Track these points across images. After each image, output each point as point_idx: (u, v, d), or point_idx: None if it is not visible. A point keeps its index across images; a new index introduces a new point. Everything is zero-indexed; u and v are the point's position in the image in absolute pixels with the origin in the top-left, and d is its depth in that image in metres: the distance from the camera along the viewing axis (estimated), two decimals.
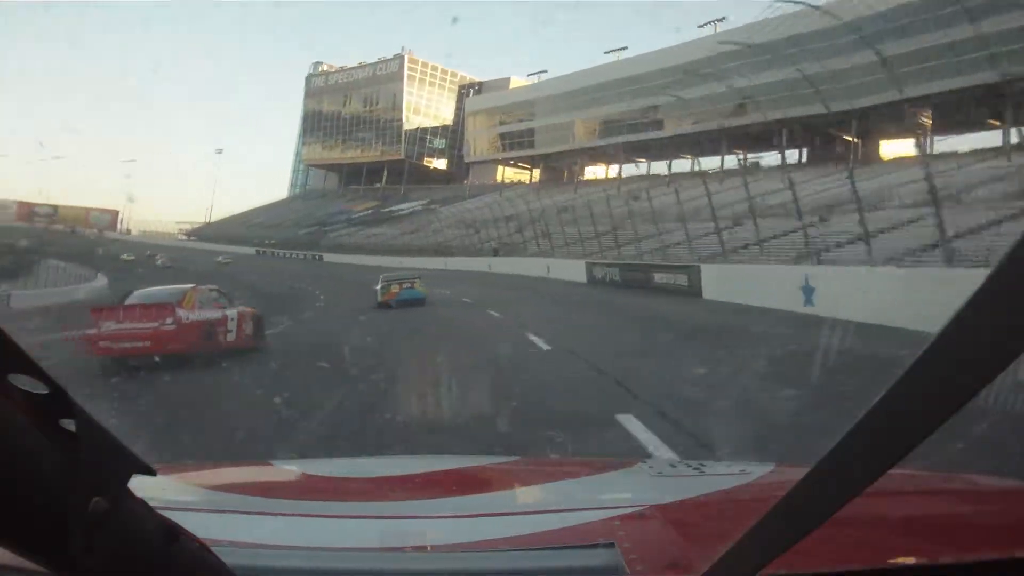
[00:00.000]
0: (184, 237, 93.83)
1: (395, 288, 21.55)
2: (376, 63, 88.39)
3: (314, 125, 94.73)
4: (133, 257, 54.07)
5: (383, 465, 2.33)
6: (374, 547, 1.05)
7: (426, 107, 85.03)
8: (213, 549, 0.69)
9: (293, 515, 1.27)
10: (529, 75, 71.25)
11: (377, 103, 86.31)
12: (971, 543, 0.99)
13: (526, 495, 1.56)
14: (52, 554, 0.53)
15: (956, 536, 1.05)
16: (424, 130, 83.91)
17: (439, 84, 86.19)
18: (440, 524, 1.22)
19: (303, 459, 3.60)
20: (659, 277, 23.01)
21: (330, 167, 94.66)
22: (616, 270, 27.12)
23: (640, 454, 4.26)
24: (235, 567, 0.72)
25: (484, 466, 1.93)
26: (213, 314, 11.45)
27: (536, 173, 68.63)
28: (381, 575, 0.91)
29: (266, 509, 1.32)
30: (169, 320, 10.43)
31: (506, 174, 73.15)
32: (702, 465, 1.68)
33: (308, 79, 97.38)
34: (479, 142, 72.52)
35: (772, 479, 1.51)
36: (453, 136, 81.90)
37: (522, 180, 69.67)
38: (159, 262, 49.91)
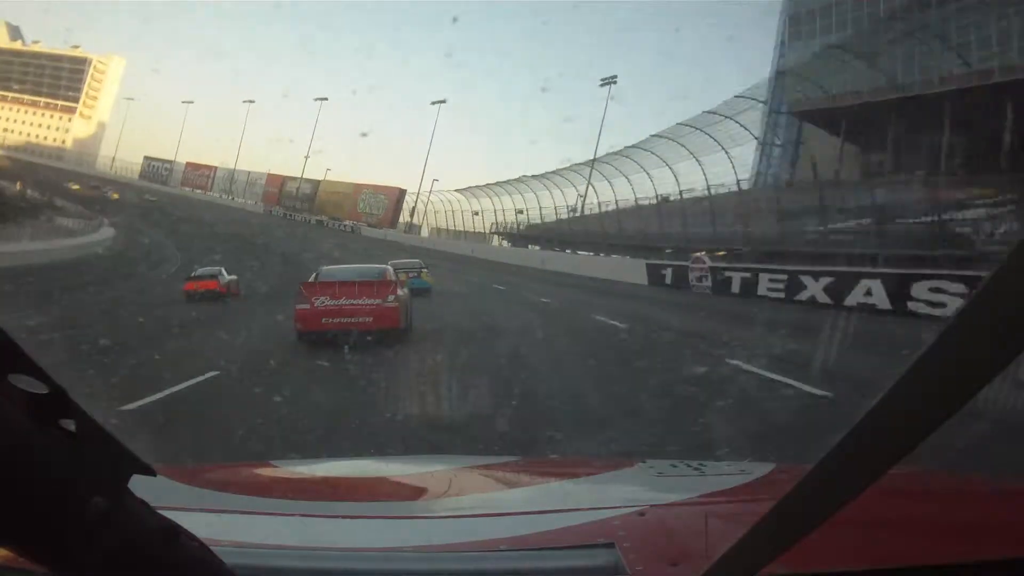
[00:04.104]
0: (504, 242, 52.29)
1: (402, 277, 21.88)
2: None
3: (802, 31, 35.39)
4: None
5: (383, 465, 2.33)
6: (374, 547, 1.04)
7: None
8: (213, 549, 0.69)
9: (293, 515, 1.26)
10: None
11: None
12: (971, 543, 0.99)
13: (526, 495, 1.56)
14: (52, 554, 0.53)
15: (956, 536, 1.05)
16: None
17: None
18: (440, 524, 1.22)
19: (303, 459, 3.60)
20: None
21: (847, 123, 29.02)
22: None
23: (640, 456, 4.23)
24: (235, 567, 0.72)
25: (484, 466, 1.93)
26: (404, 292, 12.01)
27: None
28: (381, 575, 0.91)
29: (266, 509, 1.32)
30: (391, 297, 10.87)
31: None
32: (702, 465, 1.68)
33: None
34: None
35: (772, 479, 1.51)
36: None
37: None
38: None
